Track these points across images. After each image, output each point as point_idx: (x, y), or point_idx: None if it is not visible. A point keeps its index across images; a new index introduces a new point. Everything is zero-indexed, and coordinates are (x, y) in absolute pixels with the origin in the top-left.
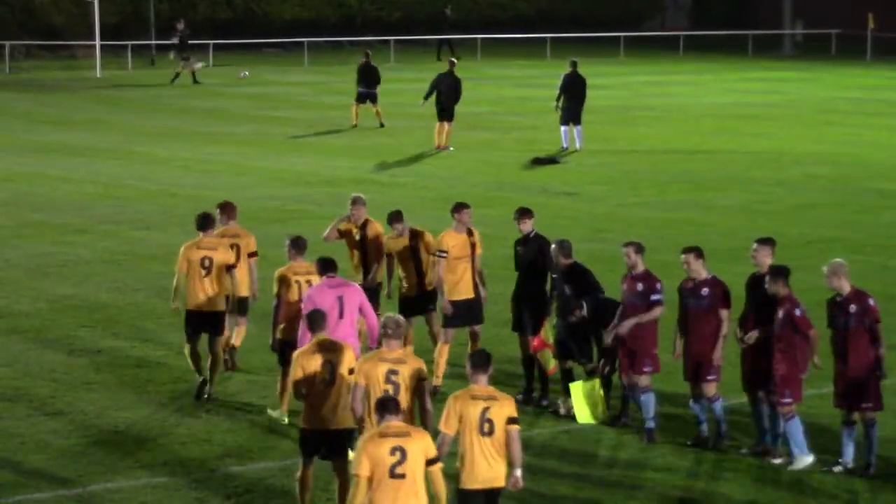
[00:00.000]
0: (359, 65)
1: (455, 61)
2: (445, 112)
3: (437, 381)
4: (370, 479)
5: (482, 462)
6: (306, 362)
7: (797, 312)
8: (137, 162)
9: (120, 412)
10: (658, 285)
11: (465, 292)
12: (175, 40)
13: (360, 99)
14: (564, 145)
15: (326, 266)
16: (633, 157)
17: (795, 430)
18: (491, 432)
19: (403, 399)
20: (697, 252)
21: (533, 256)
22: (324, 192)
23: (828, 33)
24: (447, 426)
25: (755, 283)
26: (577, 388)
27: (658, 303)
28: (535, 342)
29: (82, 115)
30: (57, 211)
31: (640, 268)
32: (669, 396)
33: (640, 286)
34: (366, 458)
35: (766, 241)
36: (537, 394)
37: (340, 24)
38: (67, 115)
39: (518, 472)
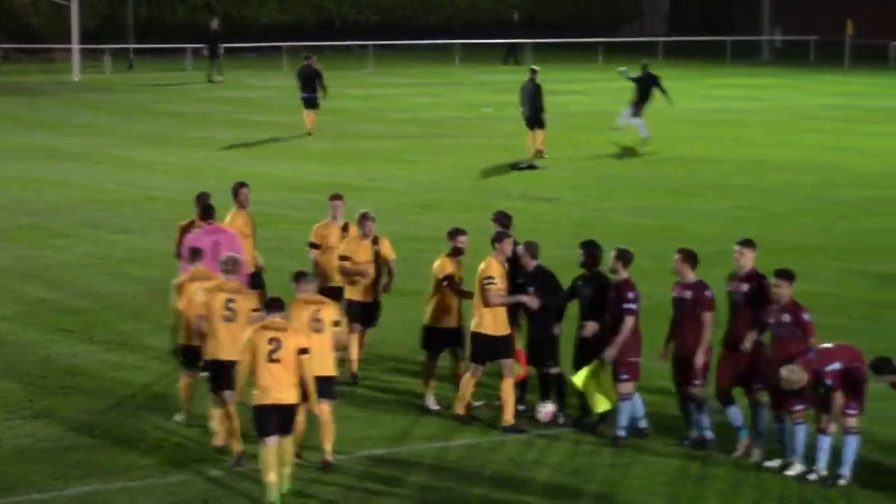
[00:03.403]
0: (299, 69)
1: (536, 69)
2: (529, 120)
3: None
4: (252, 362)
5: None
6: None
7: (805, 317)
8: (117, 166)
9: (97, 416)
10: (630, 294)
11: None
12: (208, 45)
13: (306, 105)
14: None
15: (207, 212)
16: (611, 163)
17: (801, 435)
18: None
19: (241, 324)
20: (687, 255)
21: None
22: (303, 197)
23: (806, 40)
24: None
25: (735, 282)
26: (581, 379)
27: (629, 311)
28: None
29: (61, 119)
30: (36, 214)
31: (620, 275)
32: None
33: (612, 294)
34: (249, 344)
35: (749, 243)
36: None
37: (319, 28)
38: (46, 119)
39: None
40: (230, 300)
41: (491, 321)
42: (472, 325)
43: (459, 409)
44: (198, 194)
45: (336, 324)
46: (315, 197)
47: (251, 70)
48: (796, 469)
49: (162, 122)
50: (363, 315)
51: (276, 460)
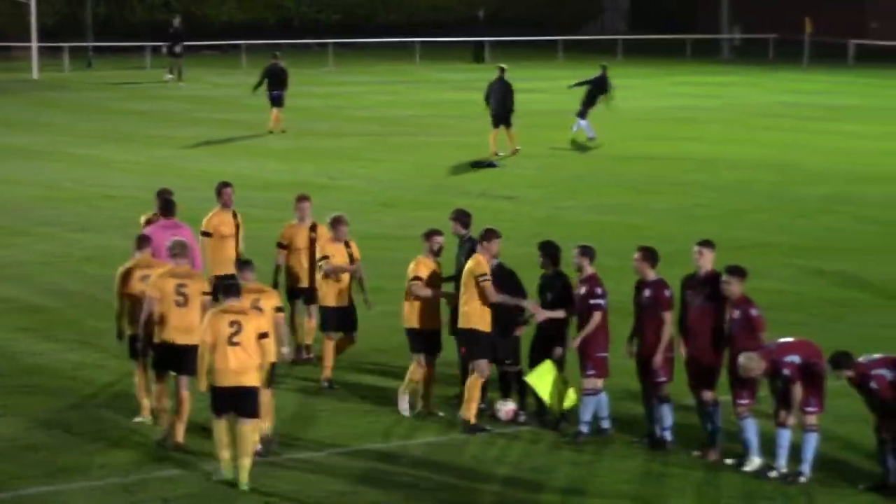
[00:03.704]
0: (266, 67)
1: (504, 67)
2: (497, 118)
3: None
4: (213, 346)
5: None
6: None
7: (753, 313)
8: (75, 164)
9: (57, 415)
10: (598, 289)
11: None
12: (170, 43)
13: (274, 102)
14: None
15: (167, 208)
16: (572, 161)
17: (750, 430)
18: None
19: (195, 306)
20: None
21: (465, 259)
22: (263, 195)
23: (765, 38)
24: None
25: (692, 283)
26: (535, 380)
27: (596, 307)
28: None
29: (19, 117)
30: None
31: (586, 271)
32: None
33: (582, 289)
34: (209, 328)
35: (709, 244)
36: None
37: (278, 26)
38: (3, 117)
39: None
40: (181, 285)
41: (483, 318)
42: (460, 323)
43: (468, 415)
44: (159, 190)
45: (278, 310)
46: (276, 195)
47: (211, 68)
48: (753, 464)
49: (121, 121)
50: (340, 321)
51: (228, 437)
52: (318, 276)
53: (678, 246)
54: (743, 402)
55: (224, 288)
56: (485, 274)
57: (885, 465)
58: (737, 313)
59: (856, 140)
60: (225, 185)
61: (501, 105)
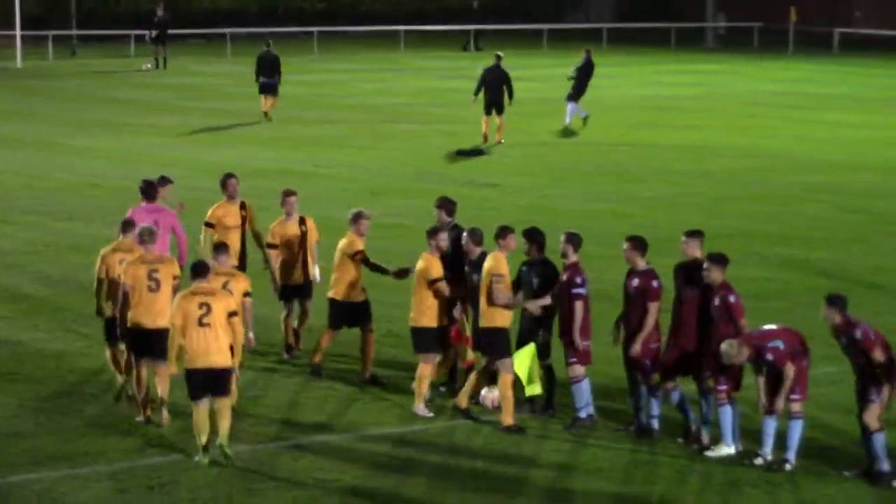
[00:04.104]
0: (259, 55)
1: (500, 55)
2: (491, 105)
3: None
4: (183, 328)
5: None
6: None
7: (731, 299)
8: (60, 153)
9: (41, 403)
10: (578, 279)
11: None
12: (153, 32)
13: (263, 90)
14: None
15: (147, 191)
16: (557, 149)
17: (725, 417)
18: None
19: (166, 290)
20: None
21: (450, 247)
22: (249, 183)
23: (750, 26)
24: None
25: (683, 273)
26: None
27: (578, 296)
28: (452, 333)
29: (3, 106)
30: None
31: (570, 259)
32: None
33: (564, 276)
34: (179, 310)
35: (696, 234)
36: (459, 385)
37: (262, 14)
38: None
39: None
40: (153, 270)
41: (502, 315)
42: (482, 322)
43: (463, 402)
44: (144, 180)
45: (247, 295)
46: (262, 183)
47: (195, 57)
48: (720, 451)
49: (105, 109)
50: (354, 317)
51: (207, 422)
52: (340, 270)
53: (664, 234)
54: (722, 388)
55: (193, 269)
56: (500, 274)
57: (870, 452)
58: (717, 300)
59: (841, 129)
60: (229, 176)
61: (497, 93)
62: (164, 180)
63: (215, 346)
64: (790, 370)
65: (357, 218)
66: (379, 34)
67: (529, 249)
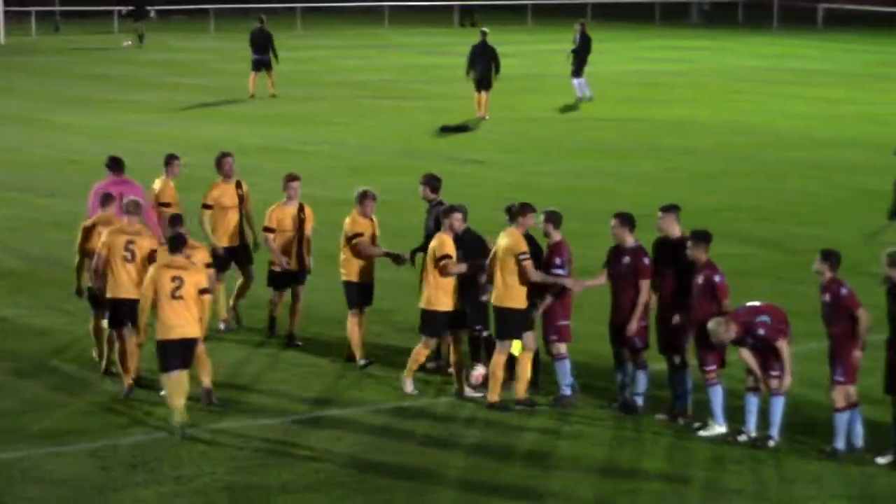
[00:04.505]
0: (251, 31)
1: (486, 31)
2: (481, 82)
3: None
4: (156, 300)
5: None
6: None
7: (717, 279)
8: (42, 129)
9: (24, 380)
10: (557, 259)
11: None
12: (134, 8)
13: (256, 67)
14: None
15: (114, 165)
16: (542, 125)
17: (716, 396)
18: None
19: (140, 265)
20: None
21: (434, 224)
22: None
23: (734, 2)
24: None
25: (661, 248)
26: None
27: (557, 276)
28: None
29: None
30: None
31: (553, 238)
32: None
33: (544, 256)
34: (152, 283)
35: (671, 208)
36: (444, 362)
37: None
38: None
39: None
40: (130, 241)
41: (517, 295)
42: (494, 301)
43: (494, 397)
44: (111, 156)
45: (208, 265)
46: (245, 161)
47: (179, 33)
48: (712, 430)
49: (88, 86)
50: (362, 296)
51: (179, 388)
52: (347, 252)
53: (650, 210)
54: (710, 367)
55: (170, 243)
56: (524, 252)
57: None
58: (700, 278)
59: (826, 104)
60: (225, 155)
61: (485, 69)
62: (173, 157)
63: (187, 319)
64: (783, 344)
65: (362, 198)
66: (363, 10)
67: (544, 231)
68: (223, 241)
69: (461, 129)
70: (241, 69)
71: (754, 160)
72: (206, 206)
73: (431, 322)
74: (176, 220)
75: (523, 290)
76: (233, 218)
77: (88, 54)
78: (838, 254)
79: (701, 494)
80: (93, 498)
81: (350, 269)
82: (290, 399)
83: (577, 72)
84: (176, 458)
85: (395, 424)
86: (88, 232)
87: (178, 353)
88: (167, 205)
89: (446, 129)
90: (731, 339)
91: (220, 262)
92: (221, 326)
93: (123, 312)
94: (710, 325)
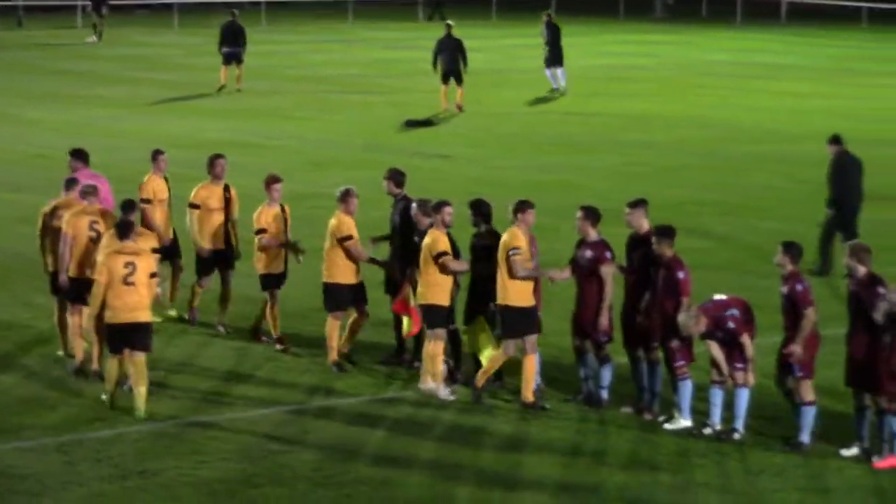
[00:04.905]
0: (223, 25)
1: (451, 24)
2: (448, 75)
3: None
4: (108, 285)
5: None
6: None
7: (680, 275)
8: (7, 124)
9: None
10: (510, 252)
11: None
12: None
13: (227, 60)
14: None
15: (81, 156)
16: (507, 120)
17: (685, 391)
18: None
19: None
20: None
21: (399, 218)
22: (197, 154)
23: None
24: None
25: (634, 244)
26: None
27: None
28: (396, 305)
29: None
30: None
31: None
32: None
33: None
34: (105, 269)
35: (639, 203)
36: (409, 356)
37: None
38: None
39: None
40: (94, 222)
41: (518, 293)
42: (498, 300)
43: (529, 396)
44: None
45: (154, 251)
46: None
47: (142, 27)
48: (678, 424)
49: (52, 80)
50: (354, 297)
51: (119, 373)
52: (333, 253)
53: (615, 204)
54: (680, 363)
55: (119, 228)
56: (517, 248)
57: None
58: (663, 273)
59: (789, 98)
60: (218, 156)
61: (452, 61)
62: (157, 152)
63: (139, 303)
64: (747, 339)
65: (346, 196)
66: (328, 4)
67: (476, 220)
68: (212, 244)
69: (426, 123)
70: (206, 63)
71: (718, 154)
72: (192, 206)
73: (430, 316)
74: (127, 206)
75: (525, 288)
76: (217, 220)
77: (52, 49)
78: (800, 246)
79: (666, 488)
80: (57, 493)
81: (336, 271)
82: (256, 394)
83: (551, 62)
84: (140, 453)
85: (360, 418)
86: (50, 215)
87: (127, 337)
88: (147, 201)
89: (411, 124)
90: (700, 332)
91: (204, 264)
92: (221, 329)
93: (87, 290)
94: (681, 318)
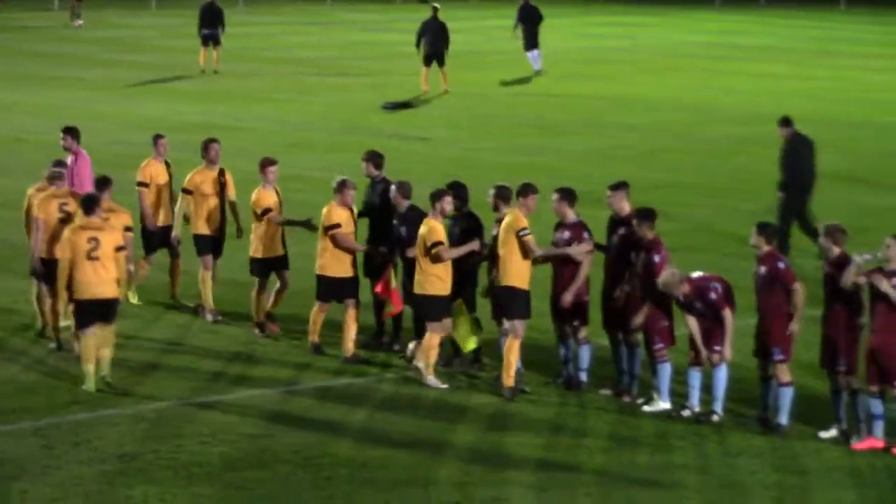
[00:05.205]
0: (202, 6)
1: (437, 6)
2: (431, 57)
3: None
4: (73, 261)
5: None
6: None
7: (656, 259)
8: None
9: None
10: (519, 232)
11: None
12: None
13: (205, 42)
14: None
15: (73, 134)
16: (486, 102)
17: (664, 374)
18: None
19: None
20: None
21: (378, 200)
22: (173, 137)
23: None
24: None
25: (614, 226)
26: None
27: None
28: (377, 287)
29: None
30: None
31: (502, 212)
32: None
33: (494, 231)
34: (68, 244)
35: (620, 186)
36: (388, 338)
37: None
38: None
39: None
40: (63, 203)
41: (519, 275)
42: (502, 280)
43: (508, 381)
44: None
45: (127, 229)
46: (186, 137)
47: (119, 10)
48: (657, 406)
49: (27, 63)
50: (344, 291)
51: (94, 350)
52: (325, 244)
53: (593, 187)
54: (659, 346)
55: (83, 204)
56: (525, 228)
57: (765, 401)
58: (643, 255)
59: (768, 80)
60: (212, 140)
61: (435, 44)
62: (157, 137)
63: (104, 279)
64: (728, 315)
65: (341, 187)
66: None
67: (454, 204)
68: (203, 229)
69: (404, 105)
70: (183, 45)
71: (698, 137)
72: (185, 191)
73: (429, 307)
74: (100, 182)
75: (526, 270)
76: (213, 205)
77: (29, 32)
78: (775, 226)
79: (645, 469)
80: (35, 477)
81: (327, 261)
82: (234, 378)
83: (528, 45)
84: (119, 437)
85: (340, 401)
86: (32, 198)
87: (94, 313)
88: (144, 184)
89: (389, 107)
90: (681, 293)
91: (202, 246)
92: (209, 318)
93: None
94: (663, 276)
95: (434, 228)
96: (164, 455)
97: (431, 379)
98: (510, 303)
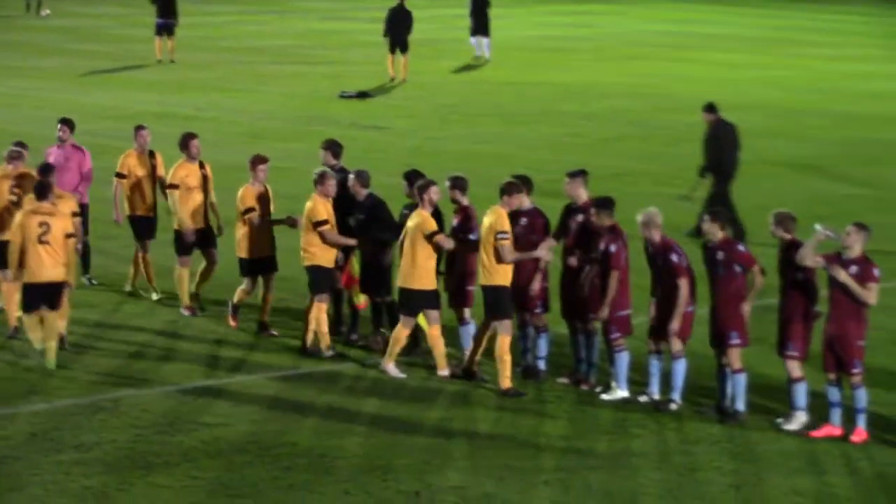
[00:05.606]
0: None
1: None
2: (395, 44)
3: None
4: (23, 245)
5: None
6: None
7: (612, 248)
8: None
9: None
10: (472, 223)
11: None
12: None
13: (159, 31)
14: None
15: (69, 124)
16: (442, 91)
17: (621, 362)
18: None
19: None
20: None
21: (338, 190)
22: (128, 126)
23: None
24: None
25: (569, 213)
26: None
27: (468, 242)
28: (343, 278)
29: None
30: None
31: (461, 203)
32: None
33: (455, 221)
34: (19, 228)
35: (578, 174)
36: (346, 328)
37: None
38: None
39: None
40: (14, 186)
41: (503, 272)
42: (481, 280)
43: (506, 383)
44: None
45: (74, 215)
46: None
47: None
48: (615, 395)
49: None
50: (332, 282)
51: (39, 327)
52: (309, 238)
53: (550, 175)
54: (616, 335)
55: (35, 189)
56: (504, 231)
57: (723, 389)
58: (602, 244)
59: (725, 69)
60: (191, 136)
61: (401, 32)
62: (139, 127)
63: (53, 262)
64: (685, 285)
65: (322, 178)
66: None
67: (410, 192)
68: (193, 222)
69: (362, 95)
70: (140, 35)
71: (654, 125)
72: (172, 186)
73: (412, 301)
74: (44, 169)
75: (510, 268)
76: (198, 198)
77: None
78: (726, 212)
79: (604, 458)
80: None
81: (315, 253)
82: (194, 367)
83: (476, 31)
84: (76, 427)
85: (298, 391)
86: None
87: (42, 296)
88: (121, 175)
89: (345, 96)
90: (649, 236)
91: (183, 244)
92: (185, 313)
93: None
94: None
95: (427, 219)
96: (122, 445)
97: (391, 368)
98: (497, 301)
